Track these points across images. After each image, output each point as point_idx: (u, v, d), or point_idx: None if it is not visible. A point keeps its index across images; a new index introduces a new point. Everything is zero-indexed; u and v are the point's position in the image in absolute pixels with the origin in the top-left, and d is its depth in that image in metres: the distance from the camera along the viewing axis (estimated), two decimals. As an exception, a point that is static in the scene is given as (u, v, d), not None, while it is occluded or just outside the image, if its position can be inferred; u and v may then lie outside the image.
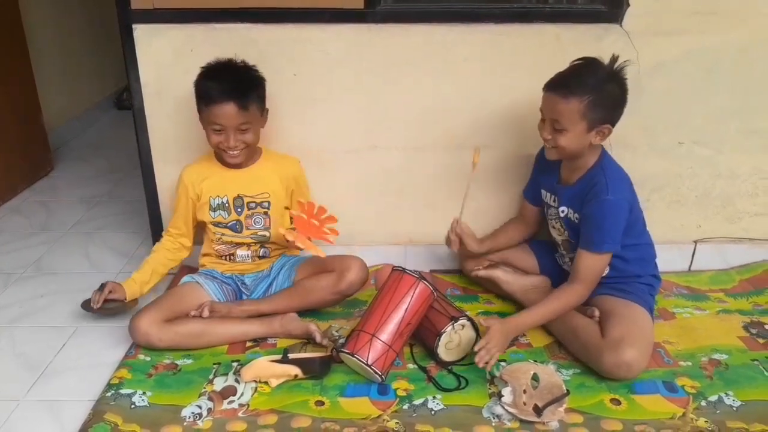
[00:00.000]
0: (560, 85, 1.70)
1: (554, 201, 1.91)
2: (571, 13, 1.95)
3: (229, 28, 1.94)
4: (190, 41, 1.95)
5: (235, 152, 1.86)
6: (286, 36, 1.95)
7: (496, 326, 1.74)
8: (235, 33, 1.94)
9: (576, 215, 1.82)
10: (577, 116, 1.67)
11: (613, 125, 1.73)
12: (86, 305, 1.92)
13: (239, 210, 1.94)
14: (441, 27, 1.96)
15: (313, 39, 1.96)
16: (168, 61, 1.97)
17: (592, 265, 1.76)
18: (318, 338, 1.81)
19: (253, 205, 1.94)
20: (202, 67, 1.85)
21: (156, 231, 2.21)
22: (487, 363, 1.66)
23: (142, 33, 1.94)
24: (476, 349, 1.69)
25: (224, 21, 1.93)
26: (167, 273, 2.05)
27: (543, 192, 1.96)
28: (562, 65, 1.75)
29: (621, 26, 1.95)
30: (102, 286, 1.92)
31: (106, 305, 1.90)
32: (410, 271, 1.76)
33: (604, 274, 1.82)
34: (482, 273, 2.02)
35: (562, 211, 1.87)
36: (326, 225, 1.84)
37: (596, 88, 1.67)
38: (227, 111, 1.78)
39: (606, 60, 1.72)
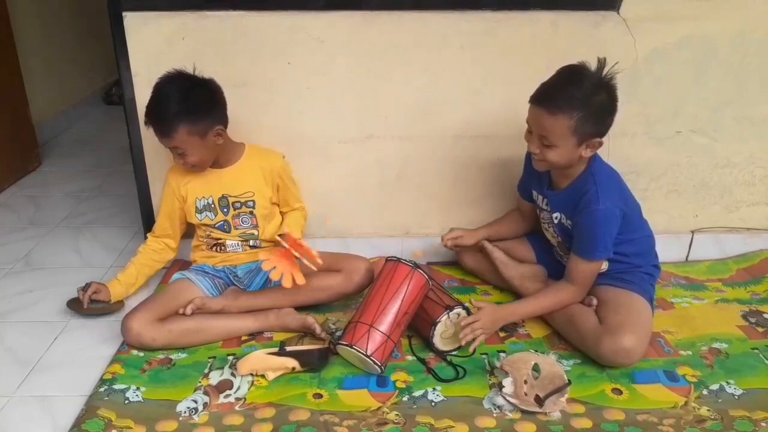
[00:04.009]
0: (547, 99, 1.63)
1: (546, 205, 1.88)
2: (568, -1, 1.94)
3: (221, 16, 1.90)
4: (181, 29, 1.91)
5: (188, 168, 1.85)
6: (280, 23, 1.92)
7: (487, 308, 1.75)
8: (227, 20, 1.91)
9: (568, 222, 1.80)
10: (567, 133, 1.62)
11: (603, 136, 1.68)
12: (72, 304, 1.90)
13: (225, 210, 1.91)
14: (436, 14, 1.93)
15: (308, 27, 1.93)
16: (159, 49, 1.93)
17: (585, 271, 1.76)
18: (318, 330, 1.78)
19: (238, 204, 1.91)
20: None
21: (148, 225, 2.17)
22: (471, 342, 1.69)
23: (132, 21, 1.90)
24: (462, 323, 1.69)
25: (216, 8, 1.89)
26: (153, 275, 2.02)
27: (533, 192, 1.94)
28: (559, 53, 1.74)
29: (618, 13, 1.93)
30: (87, 286, 1.89)
31: (91, 305, 1.88)
32: (405, 260, 1.74)
33: (602, 270, 1.81)
34: (488, 247, 1.99)
35: (556, 217, 1.85)
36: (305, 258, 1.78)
37: (585, 102, 1.60)
38: (154, 133, 1.77)
39: (604, 59, 1.65)
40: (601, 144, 1.68)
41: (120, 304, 1.93)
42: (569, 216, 1.79)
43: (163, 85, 1.78)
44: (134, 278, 1.95)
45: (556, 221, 1.85)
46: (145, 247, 1.99)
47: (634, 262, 1.83)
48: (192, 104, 1.75)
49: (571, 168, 1.75)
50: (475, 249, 2.08)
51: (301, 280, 1.78)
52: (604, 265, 1.81)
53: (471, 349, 1.75)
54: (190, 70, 1.80)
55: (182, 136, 1.75)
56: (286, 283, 1.76)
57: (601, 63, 1.64)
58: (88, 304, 1.87)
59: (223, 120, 1.83)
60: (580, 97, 1.60)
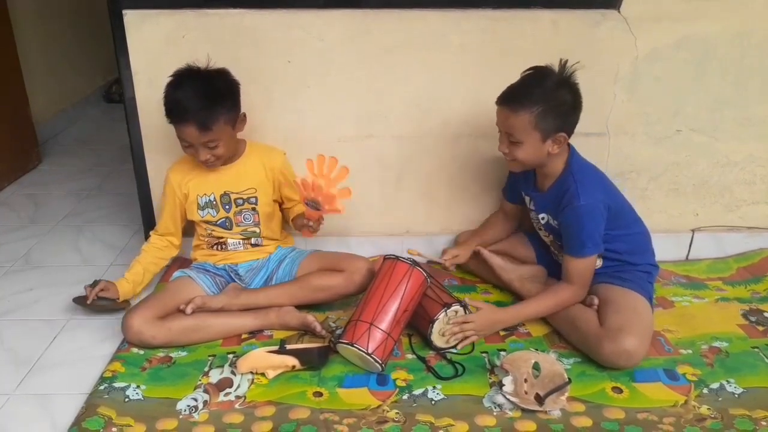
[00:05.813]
0: (509, 98, 1.71)
1: (533, 206, 1.90)
2: (568, -2, 1.94)
3: (221, 14, 1.90)
4: (181, 27, 1.91)
5: (209, 164, 1.83)
6: (280, 22, 1.92)
7: (485, 310, 1.77)
8: (228, 19, 1.91)
9: (555, 222, 1.82)
10: (529, 128, 1.67)
11: (568, 133, 1.72)
12: (78, 300, 1.90)
13: (227, 207, 1.91)
14: (436, 12, 1.93)
15: (308, 25, 1.92)
16: (159, 48, 1.93)
17: (580, 268, 1.76)
18: (318, 329, 1.78)
19: (240, 201, 1.91)
20: (170, 76, 1.78)
21: (148, 223, 2.18)
22: (461, 340, 1.74)
23: (132, 19, 1.90)
24: (456, 320, 1.71)
25: (217, 6, 1.89)
26: (159, 272, 2.02)
27: (523, 194, 1.96)
28: (559, 51, 1.73)
29: (619, 12, 1.93)
30: (95, 283, 1.89)
31: (97, 302, 1.87)
32: (403, 258, 1.74)
33: (597, 266, 1.81)
34: (485, 253, 2.00)
35: (542, 218, 1.87)
36: (337, 183, 1.73)
37: (545, 98, 1.66)
38: (189, 132, 1.74)
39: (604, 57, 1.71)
40: (566, 139, 1.72)
41: (125, 303, 1.92)
42: (554, 216, 1.81)
43: (186, 79, 1.76)
44: (141, 276, 1.94)
45: (543, 222, 1.87)
46: (150, 245, 1.98)
47: (629, 261, 1.84)
48: (225, 92, 1.77)
49: (546, 167, 1.79)
50: (474, 254, 2.07)
51: (340, 204, 1.73)
52: (599, 262, 1.81)
53: (459, 347, 1.76)
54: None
55: (220, 125, 1.76)
56: (341, 208, 1.71)
57: (562, 63, 1.70)
58: (93, 300, 1.86)
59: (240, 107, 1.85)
60: (539, 93, 1.67)
